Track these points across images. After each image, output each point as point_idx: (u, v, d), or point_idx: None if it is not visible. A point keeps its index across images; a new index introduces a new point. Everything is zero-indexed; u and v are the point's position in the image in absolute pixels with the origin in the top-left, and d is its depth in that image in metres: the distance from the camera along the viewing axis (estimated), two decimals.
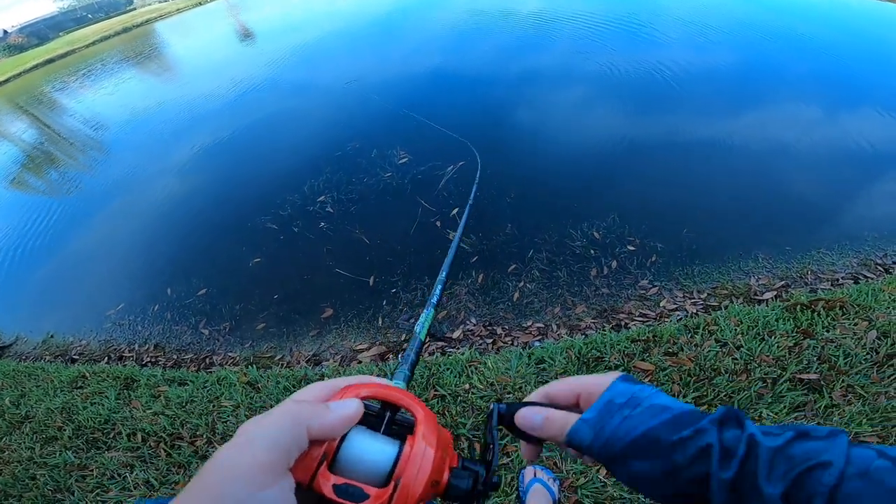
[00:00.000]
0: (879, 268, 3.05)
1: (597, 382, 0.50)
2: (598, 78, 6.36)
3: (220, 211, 5.16)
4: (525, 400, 0.54)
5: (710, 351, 2.29)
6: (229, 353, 3.43)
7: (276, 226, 4.49)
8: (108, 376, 3.09)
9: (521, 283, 3.36)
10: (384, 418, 0.44)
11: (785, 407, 1.96)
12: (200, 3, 32.96)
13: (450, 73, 7.56)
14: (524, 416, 0.51)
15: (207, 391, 2.74)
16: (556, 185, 4.29)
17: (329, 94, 7.86)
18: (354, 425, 0.41)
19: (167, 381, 2.93)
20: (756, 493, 0.38)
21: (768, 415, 1.95)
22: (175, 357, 3.52)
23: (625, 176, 4.34)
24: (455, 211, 4.08)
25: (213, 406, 2.59)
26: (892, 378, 2.03)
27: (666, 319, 2.84)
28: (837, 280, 2.99)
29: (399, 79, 7.64)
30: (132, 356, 3.62)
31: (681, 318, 2.78)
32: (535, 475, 1.84)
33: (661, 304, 3.01)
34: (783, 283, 3.01)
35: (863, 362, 2.11)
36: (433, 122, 5.36)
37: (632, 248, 3.45)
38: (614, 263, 3.36)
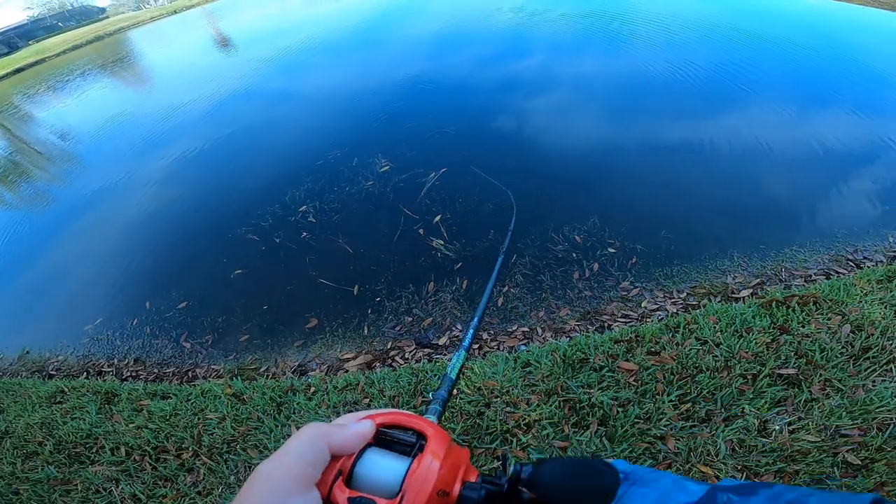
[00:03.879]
0: (851, 263, 3.15)
1: None
2: (575, 83, 6.47)
3: (199, 222, 5.09)
4: None
5: (691, 349, 2.34)
6: (213, 366, 3.38)
7: (257, 237, 4.45)
8: (87, 391, 3.03)
9: (506, 288, 3.38)
10: (410, 445, 0.47)
11: (766, 402, 2.01)
12: (176, 12, 32.53)
13: (429, 81, 7.60)
14: None
15: (192, 404, 2.70)
16: (537, 189, 4.33)
17: (308, 103, 7.84)
18: (372, 447, 0.45)
19: (149, 395, 2.88)
20: None
21: (751, 410, 2.00)
22: (156, 371, 3.45)
23: (604, 179, 4.41)
24: (438, 218, 4.10)
25: (199, 418, 2.56)
26: (868, 371, 2.10)
27: (648, 319, 2.89)
28: (810, 276, 3.07)
29: (383, 94, 7.64)
30: (111, 371, 3.54)
31: (662, 318, 2.83)
32: None
33: (643, 305, 3.06)
34: (759, 280, 3.09)
35: (839, 356, 2.17)
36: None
37: (612, 251, 3.50)
38: (596, 266, 3.41)
